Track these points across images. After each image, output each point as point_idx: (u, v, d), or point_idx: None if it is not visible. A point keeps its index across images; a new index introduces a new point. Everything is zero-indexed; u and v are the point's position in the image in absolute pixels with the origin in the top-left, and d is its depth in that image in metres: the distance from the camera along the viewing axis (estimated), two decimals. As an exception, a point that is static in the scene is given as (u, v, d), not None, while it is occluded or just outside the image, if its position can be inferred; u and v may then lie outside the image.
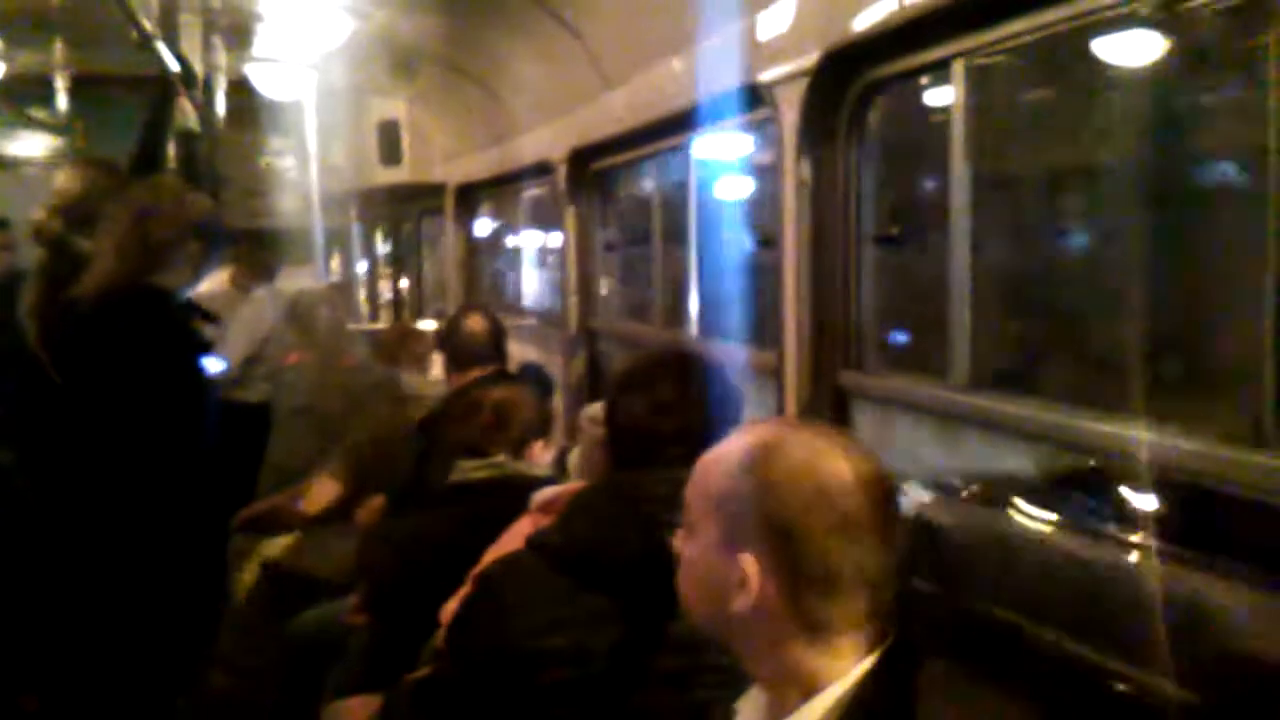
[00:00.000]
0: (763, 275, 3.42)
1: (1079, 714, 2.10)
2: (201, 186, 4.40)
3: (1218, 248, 2.03)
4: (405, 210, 8.96)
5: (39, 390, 3.11)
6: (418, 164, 7.31)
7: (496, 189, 6.90)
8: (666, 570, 1.52)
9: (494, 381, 3.73)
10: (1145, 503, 2.02)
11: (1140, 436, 1.95)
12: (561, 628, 1.98)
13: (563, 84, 4.82)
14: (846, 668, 1.37)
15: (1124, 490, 2.08)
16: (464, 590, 2.35)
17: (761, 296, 3.43)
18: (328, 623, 3.79)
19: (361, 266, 10.40)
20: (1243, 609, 1.79)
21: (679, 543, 1.50)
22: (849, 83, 2.75)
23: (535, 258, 6.79)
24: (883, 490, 1.39)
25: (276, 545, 4.46)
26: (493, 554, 2.55)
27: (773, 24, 2.89)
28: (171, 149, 5.11)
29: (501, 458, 3.14)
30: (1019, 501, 2.36)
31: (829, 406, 2.84)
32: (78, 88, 6.87)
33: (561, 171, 4.98)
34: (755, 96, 3.04)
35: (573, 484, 2.73)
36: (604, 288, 5.30)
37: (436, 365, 4.69)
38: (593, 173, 4.97)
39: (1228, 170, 2.02)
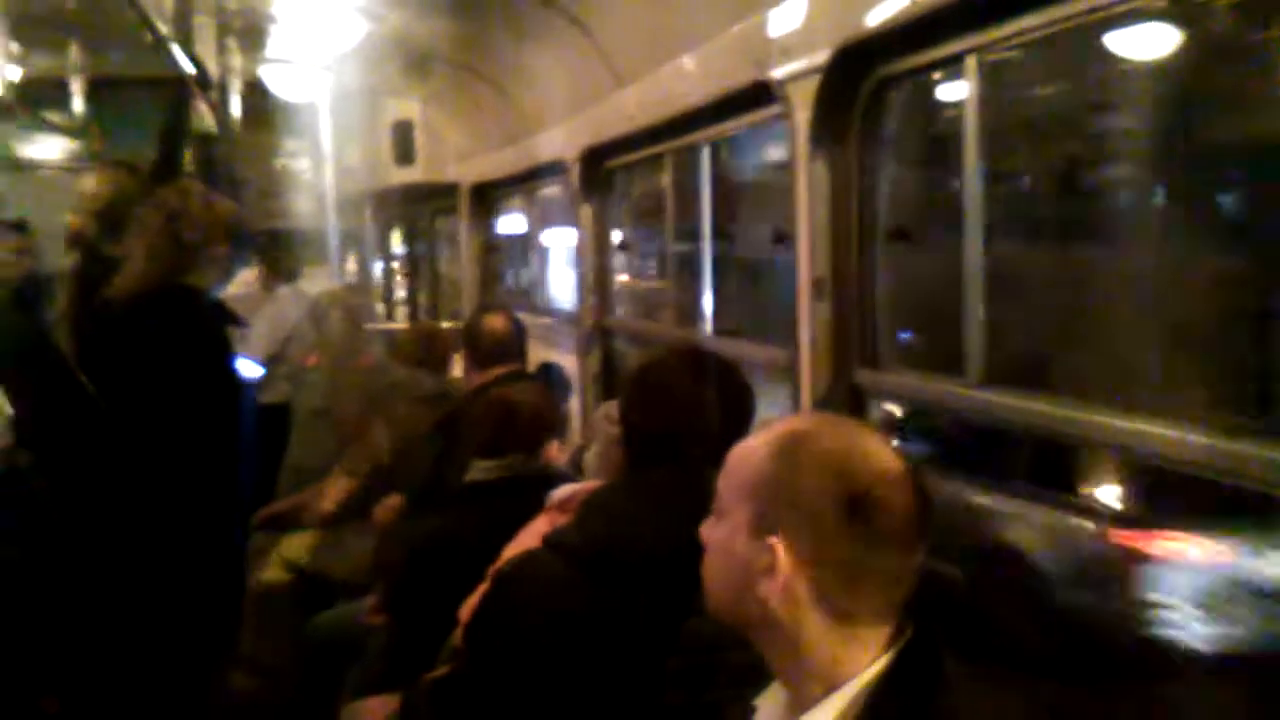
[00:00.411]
0: (776, 272, 3.42)
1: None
2: (220, 188, 4.43)
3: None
4: (420, 210, 8.98)
5: (61, 392, 3.14)
6: (432, 164, 7.33)
7: (511, 188, 6.91)
8: (684, 568, 1.53)
9: (513, 381, 3.74)
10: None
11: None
12: (578, 626, 1.99)
13: (575, 83, 4.82)
14: (869, 661, 1.38)
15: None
16: (482, 589, 2.36)
17: (776, 294, 3.43)
18: (346, 622, 3.80)
19: (377, 267, 10.42)
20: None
21: (706, 529, 1.51)
22: (862, 79, 2.75)
23: (551, 256, 6.80)
24: (912, 486, 1.39)
25: (295, 544, 4.48)
26: (510, 552, 2.56)
27: (785, 21, 2.89)
28: (189, 151, 5.14)
29: (518, 457, 3.15)
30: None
31: (845, 405, 2.83)
32: (93, 90, 6.89)
33: (575, 170, 4.99)
34: (768, 93, 3.04)
35: (589, 482, 2.73)
36: (619, 285, 5.30)
37: (457, 366, 4.70)
38: (606, 171, 4.97)
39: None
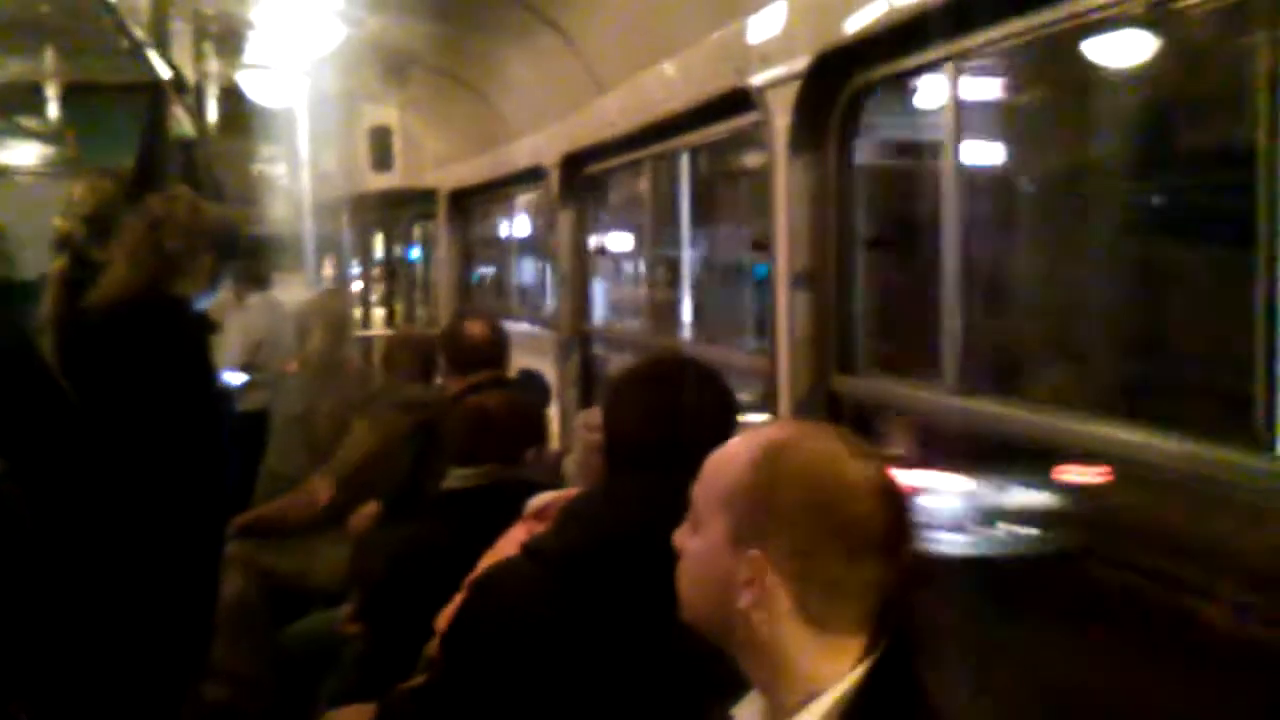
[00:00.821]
0: (755, 279, 3.42)
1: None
2: (202, 194, 4.40)
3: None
4: (398, 216, 8.96)
5: (38, 398, 3.11)
6: (410, 169, 7.31)
7: (490, 194, 6.89)
8: (664, 577, 1.52)
9: (491, 388, 3.73)
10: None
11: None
12: (556, 635, 1.98)
13: (555, 89, 4.82)
14: (847, 669, 1.37)
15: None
16: (459, 598, 2.34)
17: (754, 300, 3.43)
18: (322, 631, 3.78)
19: (354, 272, 10.39)
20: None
21: (681, 539, 1.49)
22: (840, 86, 2.75)
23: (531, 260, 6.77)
24: (894, 496, 1.39)
25: (271, 553, 4.45)
26: (488, 561, 2.54)
27: (764, 28, 2.89)
28: (167, 157, 5.11)
29: (496, 465, 3.13)
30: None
31: (822, 410, 2.83)
32: (69, 96, 6.87)
33: (554, 176, 4.98)
34: (747, 100, 3.04)
35: (568, 490, 2.72)
36: (597, 291, 5.29)
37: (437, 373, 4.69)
38: (585, 177, 4.97)
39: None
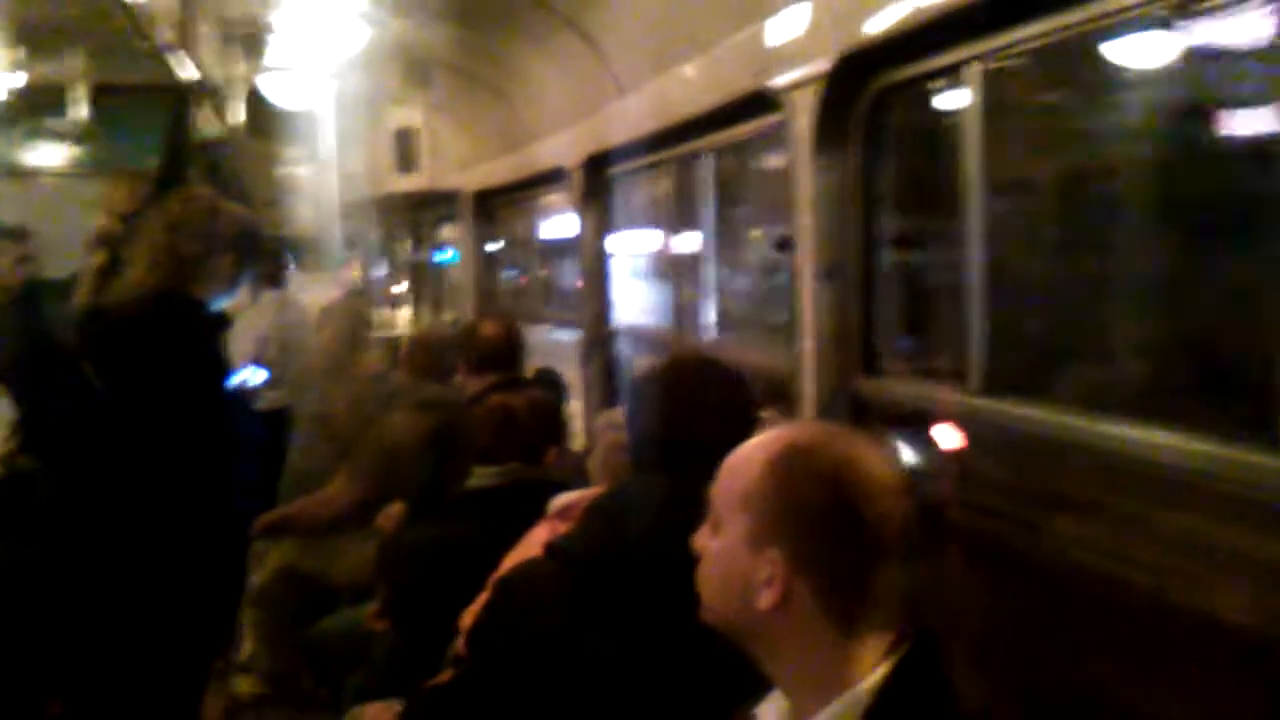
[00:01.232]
0: (780, 280, 3.42)
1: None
2: (227, 196, 4.43)
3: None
4: (422, 217, 8.99)
5: (66, 396, 3.14)
6: (434, 171, 7.34)
7: (513, 195, 6.91)
8: (685, 576, 1.53)
9: (509, 387, 3.75)
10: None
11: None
12: (580, 634, 1.99)
13: (577, 90, 4.83)
14: (869, 669, 1.37)
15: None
16: (483, 596, 2.36)
17: (778, 301, 3.43)
18: (348, 628, 3.81)
19: (380, 273, 10.43)
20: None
21: (701, 539, 1.50)
22: (862, 87, 2.75)
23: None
24: (909, 496, 1.39)
25: (296, 550, 4.48)
26: (511, 560, 2.56)
27: (785, 29, 2.89)
28: (193, 159, 5.15)
29: (518, 464, 3.15)
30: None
31: (846, 414, 2.84)
32: (96, 98, 6.91)
33: (576, 177, 4.99)
34: (769, 101, 3.05)
35: (590, 489, 2.74)
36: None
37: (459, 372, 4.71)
38: (607, 178, 4.98)
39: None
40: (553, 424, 3.30)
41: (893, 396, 2.82)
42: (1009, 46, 2.31)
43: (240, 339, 5.50)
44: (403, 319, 9.92)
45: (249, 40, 6.18)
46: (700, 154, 4.02)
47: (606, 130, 4.57)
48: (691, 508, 1.54)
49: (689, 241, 4.40)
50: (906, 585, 1.39)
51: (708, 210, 4.09)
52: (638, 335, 5.07)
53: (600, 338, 5.14)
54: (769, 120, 3.28)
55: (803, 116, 2.82)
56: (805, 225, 2.87)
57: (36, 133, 8.12)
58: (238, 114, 6.42)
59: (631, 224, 5.13)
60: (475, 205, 7.34)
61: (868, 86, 2.74)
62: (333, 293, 7.00)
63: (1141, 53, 2.09)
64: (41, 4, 5.75)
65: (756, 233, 4.03)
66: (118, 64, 6.61)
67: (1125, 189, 2.29)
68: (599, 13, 4.19)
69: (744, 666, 1.49)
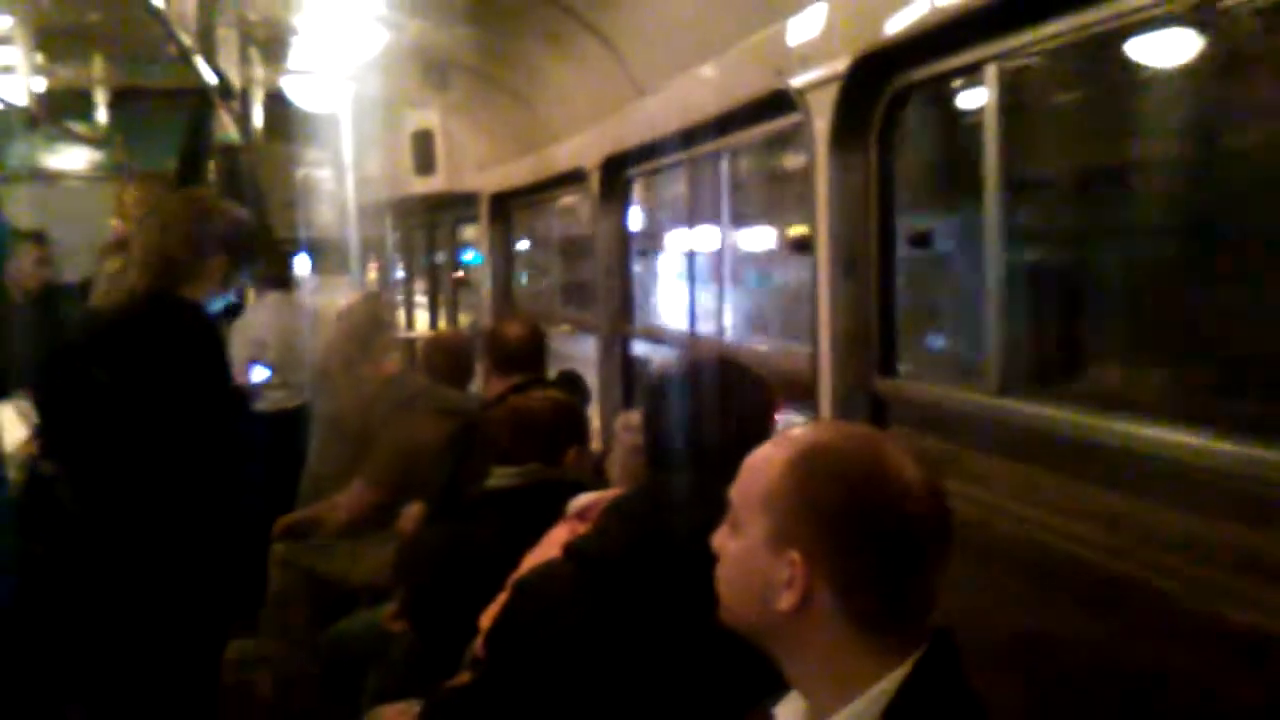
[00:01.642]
0: (799, 279, 3.42)
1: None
2: (244, 199, 4.44)
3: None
4: (441, 218, 9.01)
5: (80, 399, 3.16)
6: (452, 173, 7.35)
7: (531, 196, 6.92)
8: (704, 578, 1.52)
9: (531, 388, 3.75)
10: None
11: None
12: (598, 635, 1.99)
13: (595, 92, 4.83)
14: (888, 669, 1.37)
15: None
16: (502, 597, 2.36)
17: (797, 301, 3.43)
18: (367, 629, 3.82)
19: (398, 275, 10.46)
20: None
21: (720, 540, 1.50)
22: (881, 87, 2.75)
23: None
24: (932, 497, 1.39)
25: (314, 553, 4.50)
26: (530, 561, 2.56)
27: (803, 29, 2.89)
28: (212, 162, 5.17)
29: (537, 464, 3.15)
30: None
31: (865, 414, 2.83)
32: (117, 102, 6.95)
33: (595, 179, 5.00)
34: (787, 101, 3.04)
35: (609, 491, 2.74)
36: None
37: (480, 377, 4.73)
38: (625, 179, 4.98)
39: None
40: (573, 425, 3.30)
41: (911, 396, 2.81)
42: (1027, 46, 2.31)
43: (241, 339, 5.54)
44: (421, 321, 9.94)
45: (268, 44, 6.20)
46: (720, 154, 4.02)
47: (625, 131, 4.57)
48: (711, 508, 1.54)
49: (708, 241, 4.40)
50: (926, 586, 1.39)
51: (725, 210, 4.09)
52: (657, 336, 5.07)
53: (617, 337, 5.14)
54: (788, 120, 3.28)
55: (821, 116, 2.82)
56: (823, 225, 2.87)
57: (59, 137, 8.18)
58: (257, 117, 6.44)
59: (651, 224, 5.13)
60: (493, 206, 7.35)
61: (886, 86, 2.74)
62: (351, 294, 7.02)
63: (1161, 52, 2.08)
64: (63, 9, 5.79)
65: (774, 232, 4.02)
66: (139, 68, 6.66)
67: (1145, 188, 2.28)
68: (617, 14, 4.19)
69: (762, 667, 1.49)
